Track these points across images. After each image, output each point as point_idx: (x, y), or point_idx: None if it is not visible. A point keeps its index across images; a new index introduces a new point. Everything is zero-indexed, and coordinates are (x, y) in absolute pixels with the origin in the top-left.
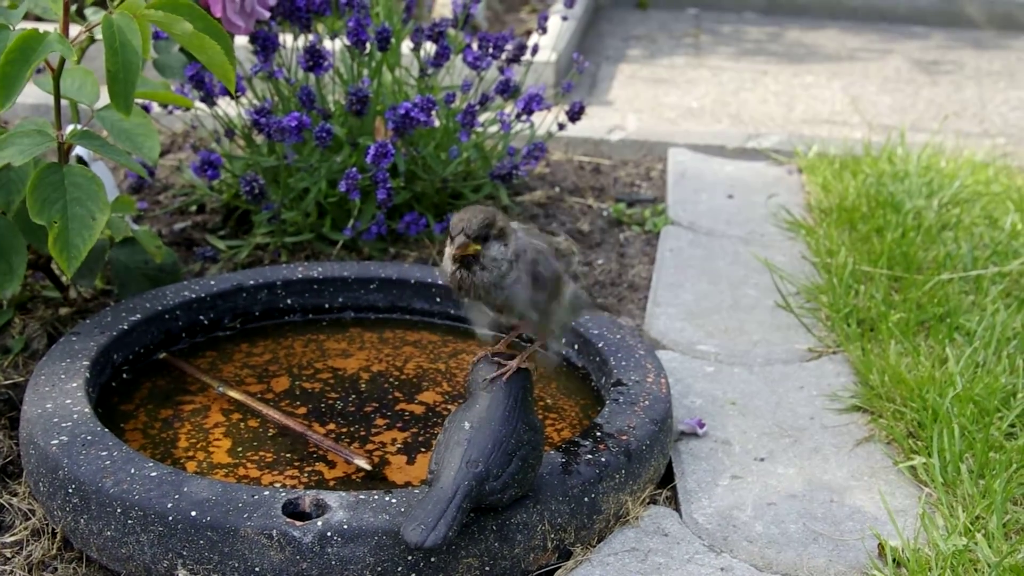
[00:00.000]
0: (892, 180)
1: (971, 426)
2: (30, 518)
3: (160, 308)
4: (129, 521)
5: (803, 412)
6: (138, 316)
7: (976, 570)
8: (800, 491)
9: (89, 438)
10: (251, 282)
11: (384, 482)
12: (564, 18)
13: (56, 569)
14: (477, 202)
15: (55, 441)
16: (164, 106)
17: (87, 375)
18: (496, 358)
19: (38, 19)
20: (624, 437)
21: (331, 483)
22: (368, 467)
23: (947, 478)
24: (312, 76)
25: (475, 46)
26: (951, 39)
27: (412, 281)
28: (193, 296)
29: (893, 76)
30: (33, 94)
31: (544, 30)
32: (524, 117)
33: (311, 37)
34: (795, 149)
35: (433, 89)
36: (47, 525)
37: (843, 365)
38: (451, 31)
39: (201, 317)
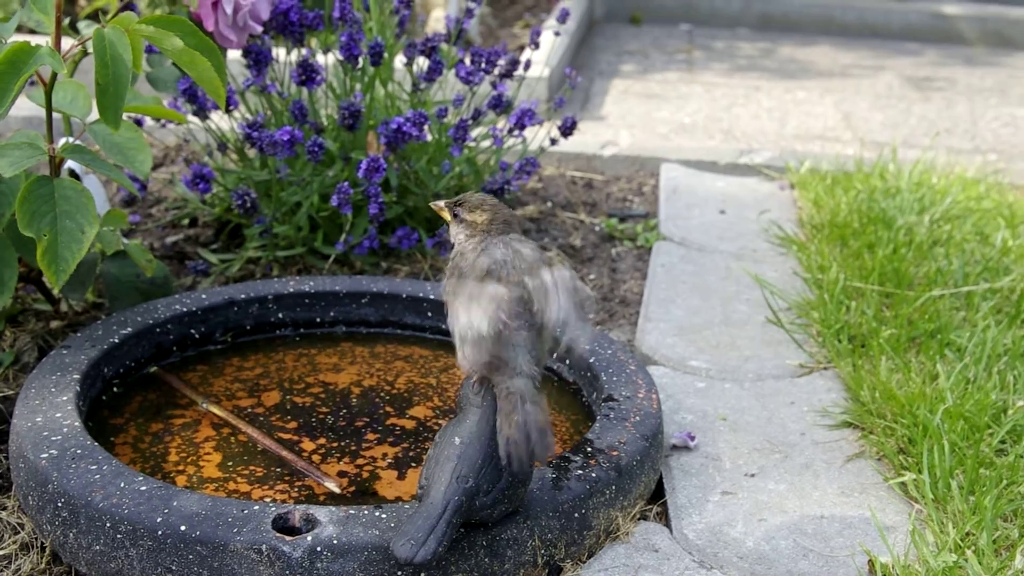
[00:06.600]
0: (884, 196)
1: (961, 442)
2: (19, 532)
3: (151, 322)
4: (118, 535)
5: (794, 428)
6: (129, 330)
7: None
8: (790, 507)
9: (79, 452)
10: (242, 296)
11: (374, 497)
12: (557, 33)
13: None
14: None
15: (44, 455)
16: (157, 119)
17: (77, 389)
18: None
19: (32, 32)
20: (615, 453)
21: (321, 498)
22: (338, 490)
23: (937, 494)
24: (305, 90)
25: (468, 61)
26: (943, 56)
27: (404, 296)
28: (184, 310)
29: (885, 92)
30: (26, 107)
31: (537, 45)
32: (516, 132)
33: (304, 51)
34: (787, 165)
35: (426, 104)
36: (36, 539)
37: (834, 381)
38: (444, 46)
39: (192, 331)
